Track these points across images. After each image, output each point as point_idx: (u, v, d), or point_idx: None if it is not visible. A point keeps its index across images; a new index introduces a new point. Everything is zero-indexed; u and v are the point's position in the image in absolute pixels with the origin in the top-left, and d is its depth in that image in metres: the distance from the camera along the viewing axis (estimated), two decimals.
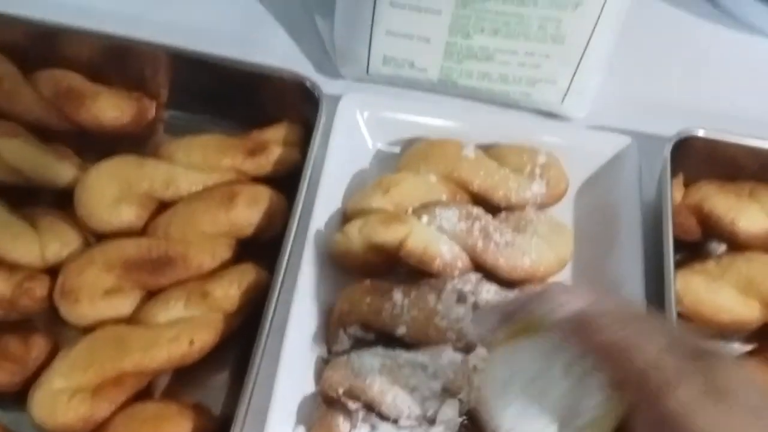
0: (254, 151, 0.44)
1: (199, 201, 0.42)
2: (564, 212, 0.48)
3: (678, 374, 0.26)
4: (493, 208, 0.45)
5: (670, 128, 0.53)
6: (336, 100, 0.48)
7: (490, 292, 0.41)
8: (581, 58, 0.45)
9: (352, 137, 0.47)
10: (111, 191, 0.42)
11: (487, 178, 0.44)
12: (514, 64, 0.46)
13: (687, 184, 0.47)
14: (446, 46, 0.45)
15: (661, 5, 0.59)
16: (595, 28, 0.43)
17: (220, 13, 0.55)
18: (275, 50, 0.54)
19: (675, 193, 0.45)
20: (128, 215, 0.42)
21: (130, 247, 0.40)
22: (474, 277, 0.42)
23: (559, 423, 0.29)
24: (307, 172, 0.43)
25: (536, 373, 0.30)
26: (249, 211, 0.42)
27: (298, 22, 0.54)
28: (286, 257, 0.41)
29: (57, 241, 0.40)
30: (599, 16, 0.42)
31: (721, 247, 0.47)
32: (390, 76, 0.49)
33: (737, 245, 0.45)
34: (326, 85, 0.52)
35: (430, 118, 0.47)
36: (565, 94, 0.48)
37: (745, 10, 0.56)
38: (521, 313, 0.30)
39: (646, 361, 0.26)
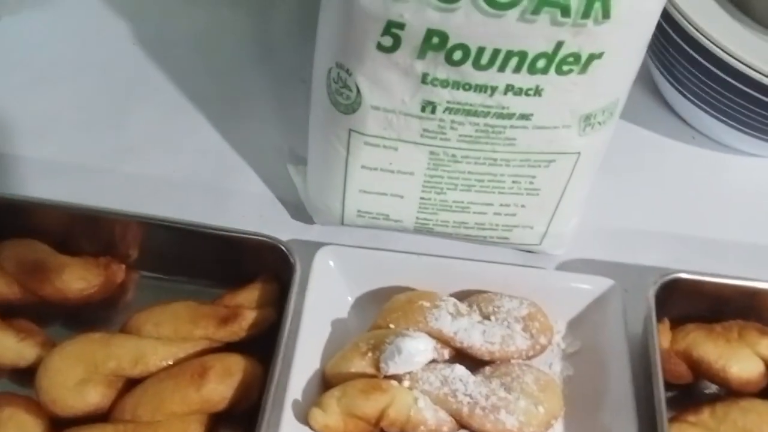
0: (227, 319, 0.42)
1: (168, 378, 0.40)
2: (550, 359, 0.46)
3: None
4: (477, 361, 0.44)
5: (652, 257, 0.53)
6: (311, 247, 0.47)
7: None
8: (557, 206, 0.45)
9: (329, 291, 0.46)
10: (75, 373, 0.40)
11: (470, 334, 0.43)
12: (489, 213, 0.45)
13: (673, 325, 0.46)
14: (420, 201, 0.44)
15: (638, 130, 0.60)
16: (569, 180, 0.43)
17: (193, 162, 0.55)
18: (250, 196, 0.53)
19: (662, 338, 0.44)
20: (94, 398, 0.40)
21: None
22: None
23: None
24: (283, 338, 0.41)
25: None
26: (222, 387, 0.40)
27: (272, 169, 0.54)
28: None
29: None
30: (573, 170, 0.42)
31: (713, 386, 0.46)
32: (365, 225, 0.48)
33: (730, 390, 0.44)
34: (301, 231, 0.52)
35: (407, 270, 0.46)
36: (543, 237, 0.48)
37: (722, 134, 0.57)
38: None
39: None
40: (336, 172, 0.44)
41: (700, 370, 0.44)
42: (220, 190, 0.54)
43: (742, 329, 0.45)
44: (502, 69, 0.35)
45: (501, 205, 0.45)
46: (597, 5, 0.32)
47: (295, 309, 0.44)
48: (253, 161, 0.55)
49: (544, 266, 0.51)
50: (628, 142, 0.59)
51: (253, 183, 0.54)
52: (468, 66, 0.35)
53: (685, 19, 0.50)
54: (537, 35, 0.33)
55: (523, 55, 0.34)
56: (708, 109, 0.55)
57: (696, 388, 0.47)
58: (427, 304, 0.44)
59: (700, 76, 0.52)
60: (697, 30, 0.49)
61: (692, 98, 0.55)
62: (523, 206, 0.45)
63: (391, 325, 0.44)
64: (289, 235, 0.51)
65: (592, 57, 0.35)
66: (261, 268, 0.46)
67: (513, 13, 0.32)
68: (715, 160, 0.59)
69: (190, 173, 0.55)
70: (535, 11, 0.32)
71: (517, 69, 0.35)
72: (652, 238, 0.54)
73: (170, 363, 0.41)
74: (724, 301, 0.46)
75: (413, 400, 0.40)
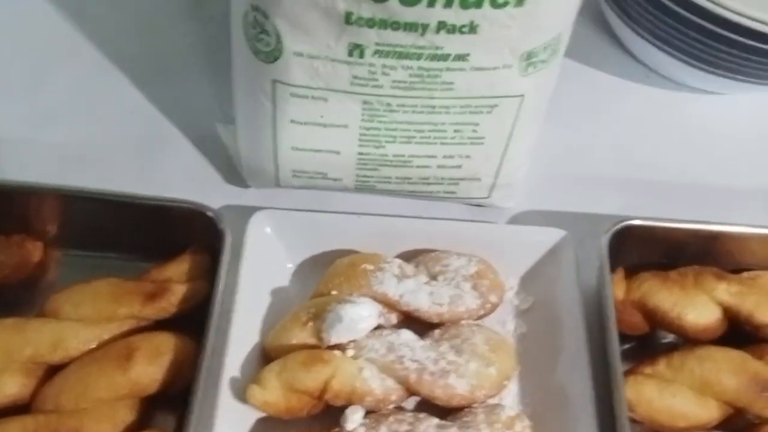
0: (154, 295, 0.39)
1: (92, 363, 0.37)
2: (503, 317, 0.44)
3: None
4: (427, 324, 0.42)
5: (609, 204, 0.50)
6: (248, 212, 0.44)
7: (430, 429, 0.37)
8: (504, 155, 0.42)
9: (267, 258, 0.43)
10: None
11: (416, 296, 0.41)
12: (433, 167, 0.42)
13: (631, 273, 0.44)
14: (358, 156, 0.41)
15: (589, 70, 0.57)
16: (514, 125, 0.40)
17: (118, 128, 0.51)
18: (180, 161, 0.50)
19: (616, 289, 0.42)
20: (11, 388, 0.37)
21: None
22: (410, 415, 0.38)
23: None
24: (214, 311, 0.38)
25: None
26: (151, 368, 0.37)
27: (204, 131, 0.50)
28: (194, 416, 0.36)
29: None
30: (517, 115, 0.39)
31: (671, 336, 0.45)
32: (303, 185, 0.45)
33: (687, 338, 0.42)
34: (236, 196, 0.48)
35: (350, 232, 0.43)
36: (492, 189, 0.45)
37: (678, 72, 0.55)
38: None
39: None
40: (264, 129, 0.40)
41: (656, 320, 0.42)
42: (147, 156, 0.50)
43: (698, 275, 0.43)
44: (431, 4, 0.31)
45: (444, 156, 0.42)
46: None
47: (232, 280, 0.41)
48: (183, 123, 0.51)
49: (495, 220, 0.49)
50: (579, 84, 0.56)
51: (184, 147, 0.50)
52: (394, 2, 0.31)
53: None
54: None
55: None
56: (662, 46, 0.52)
57: (654, 339, 0.45)
58: (370, 267, 0.41)
59: (653, 10, 0.49)
60: None
61: (646, 35, 0.52)
62: (467, 157, 0.42)
63: (334, 292, 0.41)
64: (224, 200, 0.48)
65: None
66: (191, 238, 0.42)
67: None
68: (670, 99, 0.57)
69: (115, 139, 0.51)
70: None
71: (448, 3, 0.31)
72: (608, 184, 0.52)
73: (93, 346, 0.38)
74: (681, 246, 0.45)
75: (358, 370, 0.38)
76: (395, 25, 0.33)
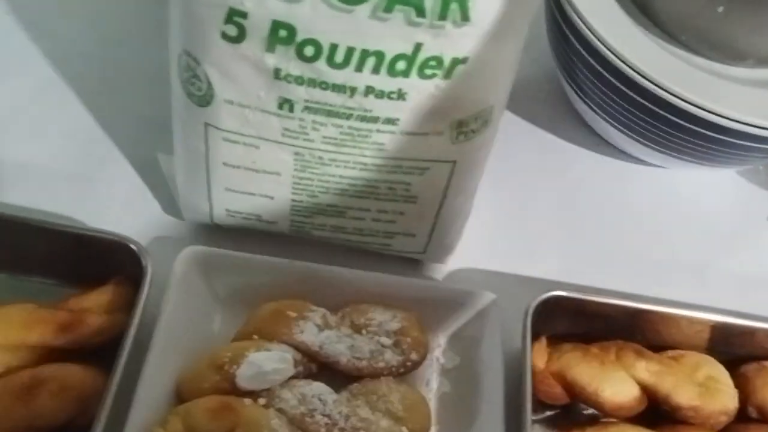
0: (68, 325, 0.38)
1: None
2: (428, 374, 0.44)
3: None
4: (349, 376, 0.41)
5: (549, 267, 0.50)
6: (181, 245, 0.43)
7: None
8: (437, 215, 0.42)
9: (192, 296, 0.42)
10: None
11: (336, 348, 0.40)
12: (368, 219, 0.42)
13: (554, 342, 0.44)
14: (292, 203, 0.41)
15: (542, 133, 0.58)
16: (447, 188, 0.40)
17: (60, 146, 0.51)
18: (121, 186, 0.49)
19: (537, 358, 0.42)
20: None
21: None
22: None
23: None
24: (126, 347, 0.38)
25: None
26: (54, 402, 0.36)
27: (148, 157, 0.49)
28: None
29: None
30: (450, 179, 0.39)
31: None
32: (238, 225, 0.45)
33: (605, 414, 0.42)
34: (173, 228, 0.48)
35: (281, 277, 0.43)
36: (427, 245, 0.45)
37: (625, 144, 0.55)
38: None
39: None
40: (198, 167, 0.40)
41: (574, 392, 0.42)
42: (86, 178, 0.49)
43: (620, 350, 0.43)
44: (359, 69, 0.32)
45: (378, 211, 0.42)
46: (454, 6, 0.29)
47: (154, 316, 0.41)
48: (128, 147, 0.51)
49: (431, 275, 0.49)
50: (531, 145, 0.57)
51: (125, 171, 0.50)
52: (322, 63, 0.32)
53: (587, 27, 0.47)
54: (392, 35, 0.30)
55: (380, 56, 0.31)
56: (610, 121, 0.53)
57: (578, 408, 0.45)
58: (293, 314, 0.41)
59: (601, 87, 0.50)
60: (598, 39, 0.47)
61: (595, 108, 0.53)
62: (401, 213, 0.42)
63: (255, 336, 0.41)
64: (159, 231, 0.48)
65: (455, 61, 0.32)
66: (116, 269, 0.42)
67: (364, 9, 0.29)
68: (618, 169, 0.57)
69: (56, 158, 0.50)
70: (388, 9, 0.29)
71: (376, 70, 0.32)
72: (550, 247, 0.52)
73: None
74: (608, 320, 0.45)
75: (266, 421, 0.37)
76: (324, 85, 0.33)
